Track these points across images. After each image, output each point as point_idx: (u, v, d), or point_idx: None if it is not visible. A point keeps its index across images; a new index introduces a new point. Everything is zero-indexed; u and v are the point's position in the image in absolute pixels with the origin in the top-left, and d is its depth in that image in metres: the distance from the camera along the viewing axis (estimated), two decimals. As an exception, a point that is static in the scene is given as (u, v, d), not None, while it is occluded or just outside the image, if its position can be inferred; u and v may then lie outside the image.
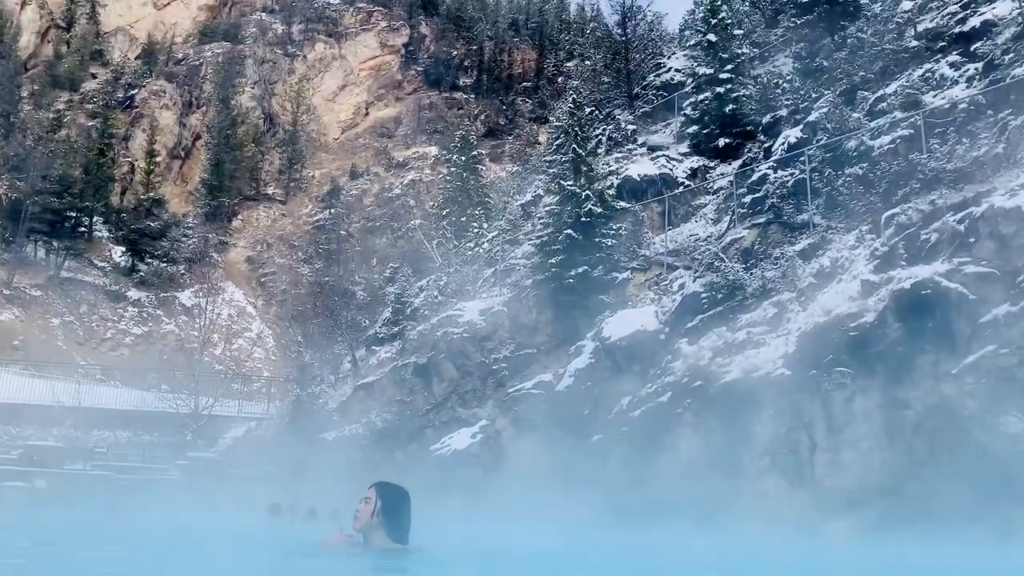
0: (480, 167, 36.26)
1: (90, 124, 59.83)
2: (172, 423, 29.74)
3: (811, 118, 19.24)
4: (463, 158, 35.18)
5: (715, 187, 22.98)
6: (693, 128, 25.28)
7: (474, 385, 21.70)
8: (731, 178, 21.92)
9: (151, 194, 59.00)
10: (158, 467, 22.71)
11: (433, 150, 67.04)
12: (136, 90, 64.96)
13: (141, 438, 28.60)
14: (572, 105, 23.83)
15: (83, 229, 54.43)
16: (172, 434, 28.92)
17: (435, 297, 28.20)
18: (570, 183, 22.31)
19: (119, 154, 60.85)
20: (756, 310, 15.32)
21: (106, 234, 57.12)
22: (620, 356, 18.39)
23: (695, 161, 24.61)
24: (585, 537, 12.75)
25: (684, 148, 25.59)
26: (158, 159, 62.20)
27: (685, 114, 26.17)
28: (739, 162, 22.72)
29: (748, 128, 23.56)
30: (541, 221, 23.33)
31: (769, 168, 19.71)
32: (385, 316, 32.57)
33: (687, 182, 23.75)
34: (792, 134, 19.77)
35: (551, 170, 24.87)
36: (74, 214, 52.98)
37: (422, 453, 20.74)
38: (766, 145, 21.35)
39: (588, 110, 24.51)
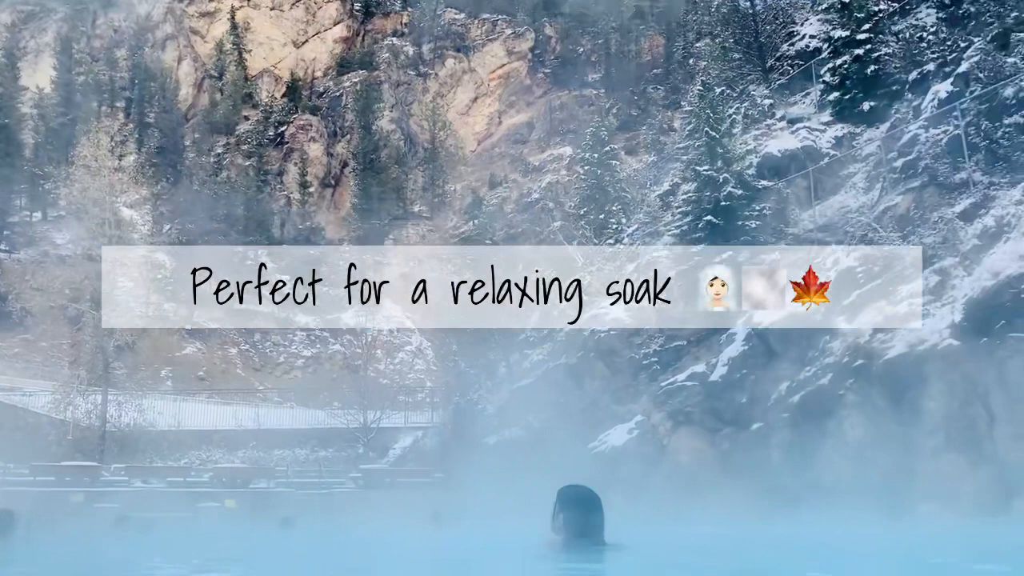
0: (614, 162, 35.95)
1: (247, 164, 63.93)
2: (345, 438, 31.31)
3: (961, 69, 17.95)
4: (596, 155, 35.00)
5: (863, 154, 21.83)
6: (834, 95, 24.08)
7: (626, 381, 21.58)
8: (879, 142, 20.77)
9: (308, 223, 62.38)
10: (334, 480, 23.95)
11: (568, 150, 67.20)
12: (285, 127, 68.86)
13: (317, 454, 30.26)
14: (701, 87, 23.32)
15: (250, 263, 58.19)
16: (345, 448, 30.45)
17: (581, 296, 28.24)
18: (706, 167, 21.82)
19: (275, 189, 64.69)
20: (917, 280, 14.44)
21: (271, 265, 60.79)
22: (774, 340, 17.83)
23: (839, 129, 23.44)
24: (751, 528, 12.44)
25: (826, 117, 24.44)
26: (311, 190, 65.64)
27: (824, 81, 24.98)
28: (887, 124, 21.46)
29: (894, 88, 22.24)
30: (679, 210, 22.93)
31: (920, 128, 18.53)
32: (534, 319, 32.96)
33: (832, 152, 22.67)
34: (942, 88, 18.50)
35: (685, 156, 24.40)
36: (240, 249, 56.72)
37: (581, 452, 20.82)
38: (914, 104, 20.08)
39: (719, 90, 23.88)
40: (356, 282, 59.64)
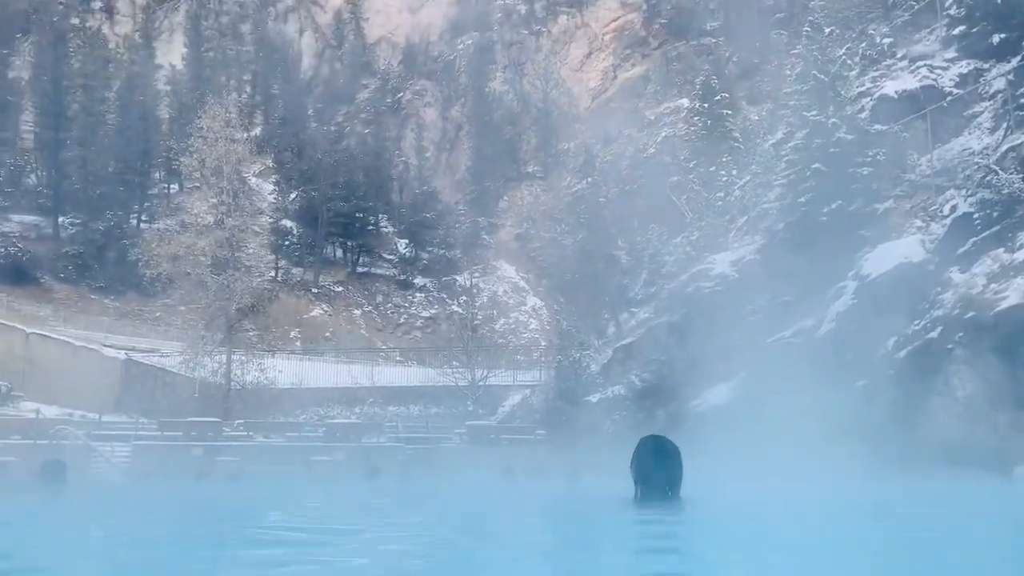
0: (726, 112, 34.70)
1: (366, 131, 65.53)
2: (456, 395, 31.98)
3: (1102, -10, 16.21)
4: (707, 105, 33.91)
5: (990, 91, 20.15)
6: (960, 28, 22.31)
7: (730, 338, 20.95)
8: (1009, 77, 19.10)
9: (424, 188, 63.46)
10: (441, 436, 24.54)
11: (685, 102, 65.15)
12: (401, 93, 70.01)
13: (429, 410, 31.08)
14: (809, 27, 22.08)
15: (371, 227, 59.90)
16: (456, 405, 31.11)
17: (688, 252, 27.62)
18: (814, 113, 20.72)
19: (393, 155, 66.04)
20: (1039, 225, 13.29)
21: (391, 229, 62.39)
22: (884, 293, 16.86)
23: (964, 66, 21.71)
24: (854, 488, 11.91)
25: (951, 53, 22.67)
26: (427, 154, 66.69)
27: (949, 14, 23.15)
28: (1018, 58, 19.69)
29: (1028, 17, 20.35)
30: (786, 159, 21.93)
31: (1053, 58, 16.92)
32: (643, 277, 32.53)
33: (955, 91, 21.03)
34: (1079, 13, 16.79)
35: (792, 102, 23.25)
36: (361, 214, 58.42)
37: (682, 409, 20.49)
38: (1049, 32, 18.33)
39: (829, 29, 22.52)
40: (471, 243, 60.54)
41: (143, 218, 52.98)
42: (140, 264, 31.28)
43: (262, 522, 5.63)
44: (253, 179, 51.37)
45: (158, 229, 46.06)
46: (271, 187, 55.56)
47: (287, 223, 55.51)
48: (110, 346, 33.54)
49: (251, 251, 33.62)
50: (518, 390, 32.04)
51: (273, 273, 49.97)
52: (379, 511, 7.34)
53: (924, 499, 9.89)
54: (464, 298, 56.02)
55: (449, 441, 23.90)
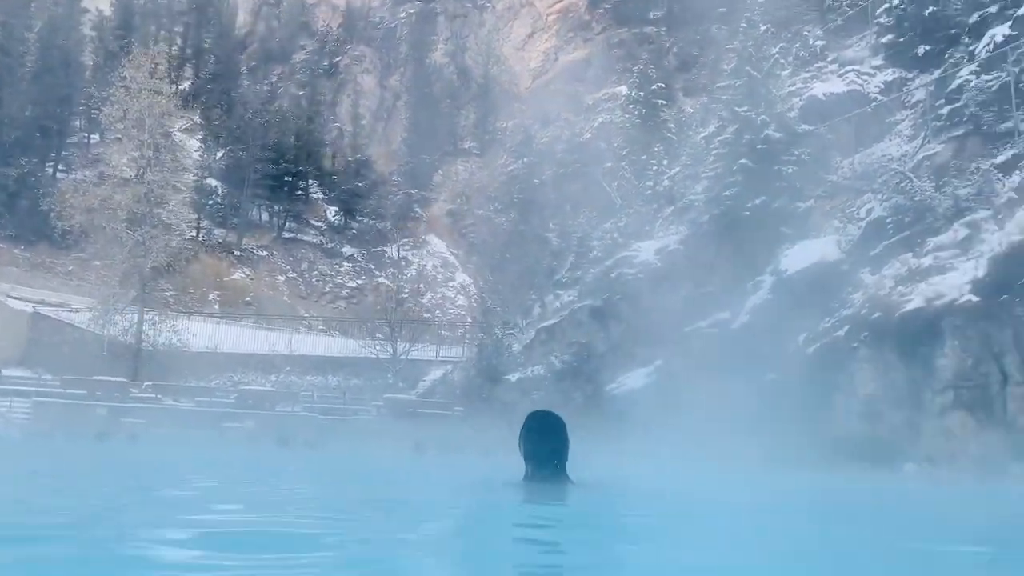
0: (661, 102, 35.06)
1: (300, 93, 64.09)
2: (377, 368, 31.73)
3: (1022, 11, 16.83)
4: (643, 94, 34.19)
5: (912, 100, 20.80)
6: (888, 37, 22.93)
7: (649, 325, 21.27)
8: (930, 88, 19.75)
9: (358, 156, 62.52)
10: (359, 408, 24.34)
11: (623, 89, 65.58)
12: (339, 57, 68.62)
13: (349, 382, 30.77)
14: (745, 24, 22.39)
15: (300, 192, 58.74)
16: (376, 378, 30.87)
17: (614, 239, 27.86)
18: (744, 109, 21.08)
19: (327, 120, 64.79)
20: (946, 232, 13.80)
21: (321, 195, 61.32)
22: (799, 290, 17.33)
23: (890, 74, 22.35)
24: (751, 478, 12.23)
25: (878, 60, 23.32)
26: (363, 122, 65.61)
27: (879, 22, 23.77)
28: (940, 70, 20.35)
29: (952, 31, 21.02)
30: (714, 152, 22.28)
31: (971, 73, 17.52)
32: (570, 260, 32.71)
33: (879, 97, 21.66)
34: (999, 32, 17.41)
35: (723, 97, 23.60)
36: (291, 178, 57.23)
37: (599, 392, 20.77)
38: (970, 48, 18.95)
39: (764, 27, 22.90)
40: (403, 216, 59.97)
41: (59, 167, 50.89)
42: (53, 215, 30.03)
43: (136, 482, 5.52)
44: (178, 134, 49.68)
45: (74, 179, 44.31)
46: (197, 144, 53.89)
47: (212, 182, 54.03)
48: (17, 298, 32.18)
49: (171, 208, 32.60)
50: (440, 365, 31.96)
51: (194, 233, 48.61)
52: (266, 477, 7.27)
53: (816, 492, 10.21)
54: (392, 270, 55.71)
55: (366, 413, 23.72)
